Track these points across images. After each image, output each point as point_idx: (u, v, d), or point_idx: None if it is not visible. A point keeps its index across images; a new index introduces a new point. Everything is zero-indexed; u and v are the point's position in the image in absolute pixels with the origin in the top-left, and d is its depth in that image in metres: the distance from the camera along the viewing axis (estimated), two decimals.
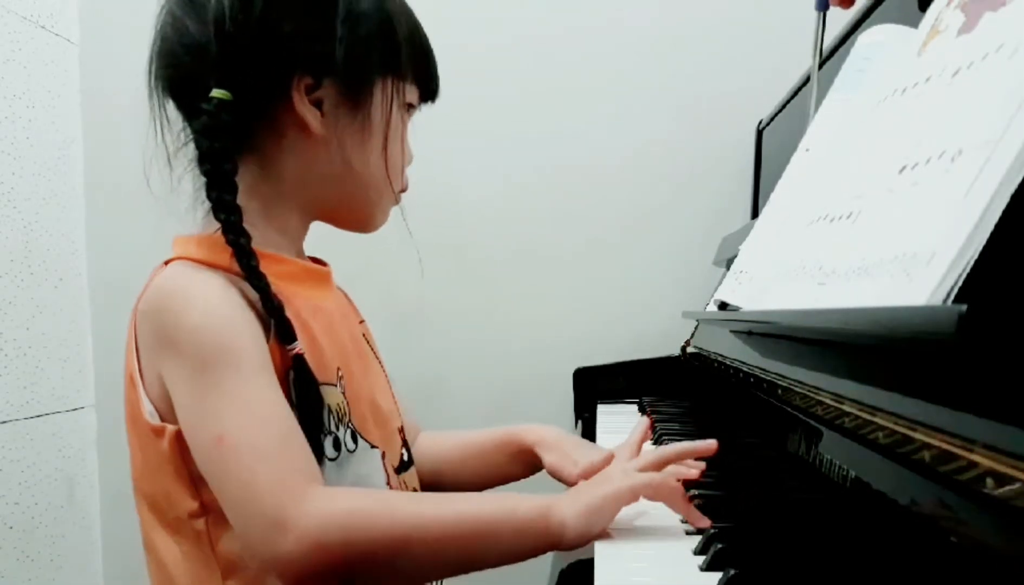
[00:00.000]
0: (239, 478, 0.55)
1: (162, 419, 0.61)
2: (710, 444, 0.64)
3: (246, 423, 0.56)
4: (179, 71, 0.64)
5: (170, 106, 0.66)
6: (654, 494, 0.59)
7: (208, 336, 0.57)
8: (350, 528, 0.54)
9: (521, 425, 0.83)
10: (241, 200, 0.63)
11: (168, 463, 0.60)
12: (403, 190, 0.75)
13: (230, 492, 0.56)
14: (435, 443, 0.86)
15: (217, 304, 0.59)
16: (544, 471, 0.80)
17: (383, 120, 0.68)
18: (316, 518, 0.53)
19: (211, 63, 0.61)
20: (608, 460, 0.68)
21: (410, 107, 0.72)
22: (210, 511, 0.60)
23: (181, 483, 0.60)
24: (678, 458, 0.65)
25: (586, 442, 0.81)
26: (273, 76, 0.63)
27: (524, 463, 0.81)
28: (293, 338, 0.60)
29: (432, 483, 0.83)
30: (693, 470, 0.63)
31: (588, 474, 0.68)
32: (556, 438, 0.80)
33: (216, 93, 0.61)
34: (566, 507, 0.58)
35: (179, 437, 0.59)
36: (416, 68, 0.70)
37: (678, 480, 0.60)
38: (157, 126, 0.66)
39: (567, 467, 0.73)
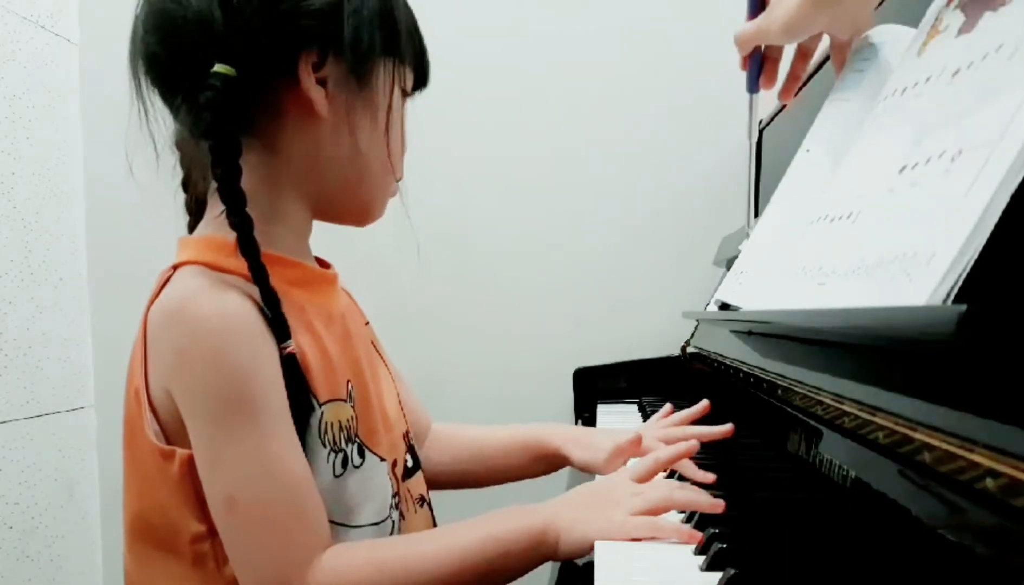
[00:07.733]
0: (247, 545, 0.56)
1: (169, 440, 0.58)
2: (695, 444, 0.67)
3: (257, 487, 0.55)
4: (178, 48, 0.60)
5: (156, 97, 0.64)
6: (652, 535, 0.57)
7: (227, 380, 0.55)
8: None
9: (540, 425, 0.85)
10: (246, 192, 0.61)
11: (176, 486, 0.57)
12: (398, 180, 0.73)
13: (238, 555, 0.56)
14: (453, 439, 0.88)
15: (236, 334, 0.56)
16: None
17: (385, 103, 0.66)
18: None
19: (214, 37, 0.58)
20: (636, 443, 0.73)
21: (404, 93, 0.70)
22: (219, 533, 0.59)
23: (188, 507, 0.58)
24: (676, 460, 0.66)
25: (604, 430, 0.83)
26: (280, 51, 0.60)
27: (547, 464, 0.84)
28: (287, 337, 0.58)
29: (452, 479, 0.85)
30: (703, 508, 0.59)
31: (616, 457, 0.74)
32: (578, 433, 0.83)
33: (219, 68, 0.58)
34: (563, 532, 0.58)
35: (191, 461, 0.57)
36: (412, 53, 0.68)
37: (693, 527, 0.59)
38: (143, 113, 0.63)
39: (598, 458, 0.76)
